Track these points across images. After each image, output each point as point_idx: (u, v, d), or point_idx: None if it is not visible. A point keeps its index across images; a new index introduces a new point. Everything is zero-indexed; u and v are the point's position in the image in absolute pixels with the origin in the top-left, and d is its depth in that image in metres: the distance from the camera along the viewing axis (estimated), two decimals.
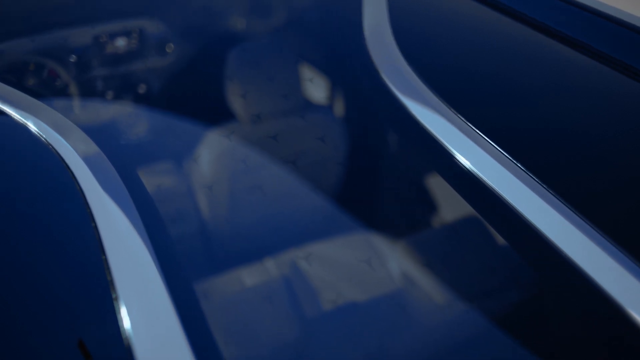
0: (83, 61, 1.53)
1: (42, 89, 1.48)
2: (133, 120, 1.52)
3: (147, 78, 1.62)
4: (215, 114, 1.35)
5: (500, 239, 0.92)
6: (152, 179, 1.33)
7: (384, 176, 1.34)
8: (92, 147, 0.89)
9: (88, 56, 1.53)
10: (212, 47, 1.43)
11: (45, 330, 0.68)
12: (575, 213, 0.80)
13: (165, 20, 1.63)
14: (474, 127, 0.95)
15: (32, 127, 0.90)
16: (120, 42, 1.55)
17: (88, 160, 0.86)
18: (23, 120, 0.91)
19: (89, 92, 1.56)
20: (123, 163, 1.39)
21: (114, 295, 0.68)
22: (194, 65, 1.63)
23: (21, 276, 0.74)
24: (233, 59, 1.35)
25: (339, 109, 1.43)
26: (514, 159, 0.88)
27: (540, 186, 0.84)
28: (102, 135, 1.45)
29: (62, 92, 1.52)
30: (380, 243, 1.17)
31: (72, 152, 0.86)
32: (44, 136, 0.88)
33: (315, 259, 1.15)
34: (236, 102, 1.32)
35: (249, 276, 1.16)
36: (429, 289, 0.97)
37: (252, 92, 1.31)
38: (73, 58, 1.51)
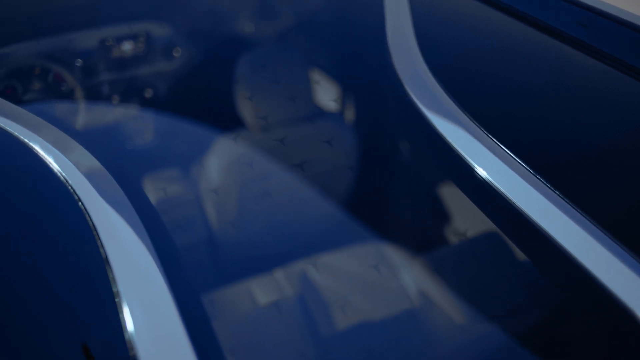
0: (88, 65, 1.52)
1: (47, 93, 1.47)
2: (139, 125, 1.51)
3: (153, 83, 1.61)
4: (226, 121, 1.34)
5: (520, 254, 0.90)
6: (159, 186, 1.32)
7: (401, 187, 1.32)
8: (93, 161, 0.87)
9: (93, 60, 1.52)
10: (226, 55, 1.40)
11: (49, 337, 0.68)
12: (600, 229, 0.78)
13: (174, 24, 1.62)
14: (498, 142, 0.92)
15: (30, 143, 0.88)
16: (127, 46, 1.54)
17: (88, 174, 0.84)
18: (21, 137, 0.89)
19: (93, 96, 1.55)
20: (129, 168, 1.39)
21: (118, 302, 0.68)
22: (203, 70, 1.62)
23: (25, 294, 0.73)
24: (248, 68, 1.33)
25: (360, 119, 1.41)
26: (538, 174, 0.86)
27: (565, 202, 0.81)
28: (107, 141, 1.46)
29: (67, 97, 1.51)
30: (397, 256, 1.14)
31: (72, 167, 0.84)
32: (42, 152, 0.87)
33: (326, 268, 1.14)
34: (249, 113, 1.30)
35: (257, 284, 1.14)
36: (447, 304, 0.94)
37: (267, 104, 1.30)
38: (79, 62, 1.50)
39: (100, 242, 0.74)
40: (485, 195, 0.88)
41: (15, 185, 0.86)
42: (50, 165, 0.84)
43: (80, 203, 0.79)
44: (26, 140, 0.88)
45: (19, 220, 0.81)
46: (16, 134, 0.89)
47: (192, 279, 1.00)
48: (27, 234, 0.79)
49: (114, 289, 0.69)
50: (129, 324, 0.66)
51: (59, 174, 0.83)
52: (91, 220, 0.77)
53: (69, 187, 0.81)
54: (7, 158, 0.89)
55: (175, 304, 0.69)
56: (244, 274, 1.18)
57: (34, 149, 0.86)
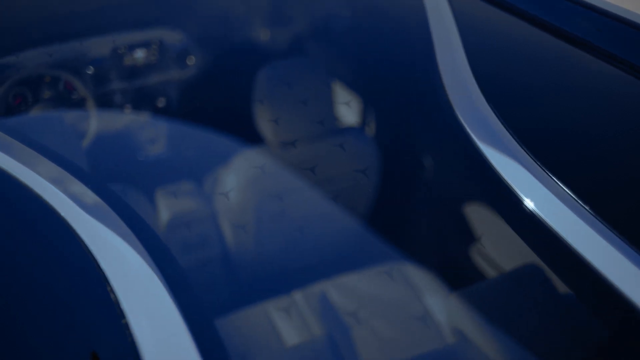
0: (100, 73, 1.50)
1: (57, 102, 1.44)
2: (152, 135, 1.49)
3: (166, 91, 1.58)
4: (244, 135, 1.30)
5: (565, 289, 0.83)
6: (172, 200, 1.28)
7: (435, 209, 1.26)
8: (89, 194, 0.83)
9: (105, 68, 1.50)
10: (252, 66, 1.35)
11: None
12: None
13: (188, 31, 1.58)
14: (549, 172, 0.86)
15: (24, 180, 0.84)
16: (140, 54, 1.51)
17: (86, 207, 0.80)
18: (14, 173, 0.86)
19: (105, 104, 1.53)
20: (141, 179, 1.36)
21: (125, 324, 0.65)
22: (219, 79, 1.58)
23: (29, 328, 0.70)
24: (268, 80, 1.28)
25: (394, 136, 1.36)
26: (595, 212, 0.79)
27: (617, 236, 0.75)
28: (118, 149, 1.43)
29: (78, 105, 1.49)
30: (423, 281, 1.09)
31: (68, 201, 0.81)
32: (37, 189, 0.83)
33: (346, 288, 1.09)
34: (270, 132, 1.26)
35: (274, 306, 1.10)
36: (480, 340, 0.88)
37: (287, 119, 1.25)
38: (90, 70, 1.48)
39: (102, 266, 0.71)
40: (530, 227, 0.82)
41: (11, 225, 0.82)
42: (46, 202, 0.80)
43: (81, 241, 0.75)
44: (20, 178, 0.84)
45: (18, 260, 0.77)
46: (9, 170, 0.85)
47: (205, 298, 0.97)
48: (27, 275, 0.76)
49: (121, 313, 0.66)
50: (138, 347, 0.63)
51: (54, 210, 0.79)
52: (91, 253, 0.73)
53: (66, 223, 0.77)
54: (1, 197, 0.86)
55: (187, 325, 0.65)
56: (260, 294, 1.14)
57: (29, 186, 0.82)
